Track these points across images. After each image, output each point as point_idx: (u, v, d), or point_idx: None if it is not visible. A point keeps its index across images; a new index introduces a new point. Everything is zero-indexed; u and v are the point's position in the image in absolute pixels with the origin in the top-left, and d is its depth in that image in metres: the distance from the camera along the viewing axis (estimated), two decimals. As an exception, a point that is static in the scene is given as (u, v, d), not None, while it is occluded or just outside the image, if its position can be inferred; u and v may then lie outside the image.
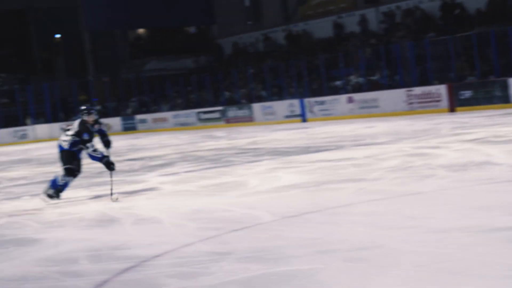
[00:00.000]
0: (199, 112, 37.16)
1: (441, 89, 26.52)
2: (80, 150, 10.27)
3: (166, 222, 7.86)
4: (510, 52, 25.59)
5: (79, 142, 10.14)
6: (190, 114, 37.67)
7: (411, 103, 27.37)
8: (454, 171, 9.74)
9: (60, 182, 10.19)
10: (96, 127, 10.41)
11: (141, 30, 52.97)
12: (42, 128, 40.33)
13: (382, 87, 29.81)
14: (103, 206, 9.53)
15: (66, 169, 10.18)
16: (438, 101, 26.58)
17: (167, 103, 41.36)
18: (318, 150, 15.49)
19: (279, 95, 34.76)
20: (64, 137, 10.37)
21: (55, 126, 40.12)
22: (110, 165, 10.12)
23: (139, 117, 40.62)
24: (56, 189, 10.21)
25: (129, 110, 43.05)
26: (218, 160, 15.55)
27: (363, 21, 36.41)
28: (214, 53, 47.89)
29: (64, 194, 10.39)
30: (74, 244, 7.07)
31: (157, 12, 47.56)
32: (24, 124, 41.08)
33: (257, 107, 34.10)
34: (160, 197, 9.99)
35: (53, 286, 5.45)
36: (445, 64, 28.32)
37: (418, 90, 27.37)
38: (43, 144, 34.93)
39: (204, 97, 39.46)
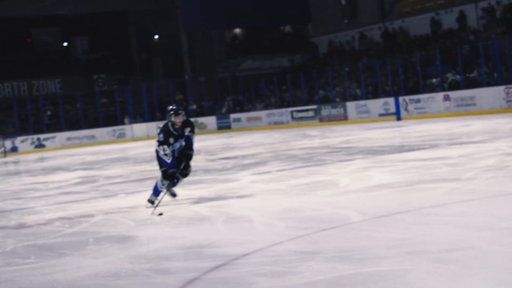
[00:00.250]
0: (293, 111, 37.19)
1: (542, 86, 25.74)
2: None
3: (256, 221, 7.91)
4: None
5: (165, 143, 9.62)
6: (284, 113, 37.75)
7: (510, 101, 26.61)
8: (553, 171, 9.44)
9: (160, 187, 9.75)
10: (187, 131, 9.76)
11: (237, 30, 53.42)
12: (139, 128, 41.22)
13: (480, 85, 29.13)
14: (195, 205, 9.66)
15: (162, 172, 9.74)
16: (538, 98, 25.81)
17: (261, 102, 41.57)
18: (412, 149, 15.26)
19: (374, 94, 34.45)
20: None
21: (152, 126, 40.98)
22: (172, 179, 9.63)
23: (233, 116, 40.97)
24: (157, 194, 9.76)
25: (224, 109, 43.50)
26: (310, 159, 15.53)
27: (461, 17, 35.68)
28: (309, 51, 47.88)
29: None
30: (165, 241, 7.20)
31: (253, 12, 47.87)
32: (122, 124, 42.07)
33: (351, 105, 33.87)
34: (251, 196, 10.05)
35: (144, 283, 5.56)
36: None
37: (517, 87, 26.62)
38: (140, 143, 35.73)
39: (298, 96, 39.49)
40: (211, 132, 40.36)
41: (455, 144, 15.46)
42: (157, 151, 9.78)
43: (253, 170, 14.08)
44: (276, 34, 53.81)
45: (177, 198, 9.86)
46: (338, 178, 11.26)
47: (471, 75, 30.35)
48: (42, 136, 38.57)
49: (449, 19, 36.72)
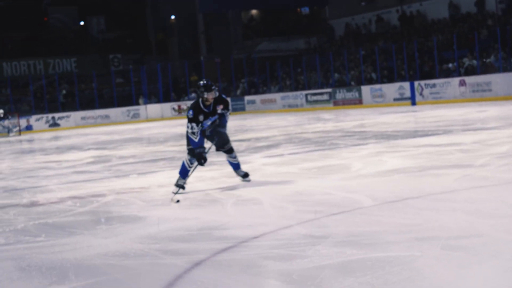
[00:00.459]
0: (307, 94, 37.11)
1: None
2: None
3: (266, 203, 7.90)
4: None
5: (195, 121, 9.02)
6: (298, 96, 37.70)
7: (526, 87, 26.47)
8: None
9: (188, 167, 9.25)
10: (219, 108, 9.20)
11: (254, 11, 53.31)
12: (153, 108, 41.29)
13: (496, 70, 28.94)
14: (207, 186, 9.67)
15: (189, 151, 9.24)
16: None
17: (276, 85, 41.51)
18: (425, 134, 15.20)
19: (389, 78, 34.31)
20: None
21: (167, 106, 41.03)
22: (199, 159, 9.06)
23: (248, 98, 40.95)
24: (185, 176, 9.24)
25: (238, 91, 43.47)
26: (323, 142, 15.50)
27: (480, 1, 35.39)
28: (326, 34, 47.70)
29: (170, 174, 10.55)
30: (175, 223, 7.21)
31: (270, -7, 47.80)
32: (137, 104, 42.15)
33: (366, 89, 33.77)
34: (263, 179, 10.03)
35: (152, 263, 5.57)
36: None
37: (534, 73, 26.44)
38: (154, 124, 35.80)
39: (313, 78, 39.39)
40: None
41: (469, 130, 15.38)
42: (186, 131, 9.21)
43: (265, 153, 14.07)
44: (293, 15, 53.67)
45: (188, 180, 9.86)
46: (350, 162, 11.23)
47: (488, 60, 30.15)
48: (56, 115, 38.72)
49: (467, 3, 36.47)
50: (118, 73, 46.70)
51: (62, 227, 7.43)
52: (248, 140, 18.31)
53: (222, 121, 9.33)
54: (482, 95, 28.07)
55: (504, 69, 28.82)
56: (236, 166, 9.81)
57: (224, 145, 9.54)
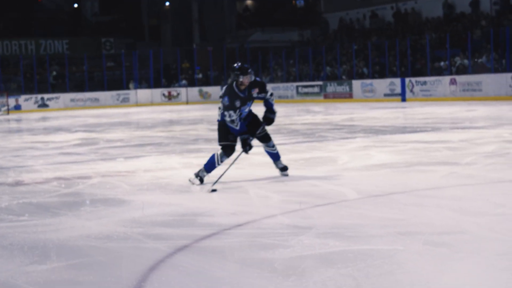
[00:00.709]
0: (298, 86, 37.11)
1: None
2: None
3: (251, 192, 7.91)
4: None
5: (232, 108, 8.35)
6: (289, 87, 37.69)
7: (516, 89, 26.55)
8: (553, 161, 9.41)
9: (218, 163, 8.57)
10: (255, 92, 8.52)
11: (249, 1, 53.24)
12: (143, 93, 41.19)
13: (488, 70, 29.02)
14: (193, 173, 9.64)
15: (223, 147, 8.59)
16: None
17: (268, 75, 41.47)
18: (414, 130, 15.24)
19: (381, 74, 34.34)
20: (220, 105, 8.64)
21: (157, 92, 40.95)
22: (245, 145, 8.55)
23: (239, 87, 40.89)
24: (209, 171, 8.58)
25: (229, 80, 43.43)
26: (312, 134, 15.52)
27: (475, 2, 35.43)
28: (320, 27, 47.65)
29: (157, 159, 10.54)
30: (160, 208, 7.20)
31: (265, -16, 47.68)
32: (127, 88, 42.03)
33: (357, 84, 33.80)
34: (249, 168, 10.04)
35: (134, 247, 5.56)
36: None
37: (525, 75, 26.52)
38: (143, 109, 35.73)
39: (305, 71, 39.37)
40: (215, 101, 40.28)
41: (457, 128, 15.44)
42: (221, 120, 8.54)
43: (253, 142, 14.02)
44: (288, 7, 53.61)
45: (175, 165, 9.82)
46: (337, 155, 11.25)
47: (480, 60, 30.22)
48: (46, 96, 38.55)
49: (462, 3, 36.49)
50: (110, 56, 46.53)
51: (46, 208, 7.41)
52: (237, 129, 18.27)
53: (268, 105, 8.70)
54: (472, 95, 28.14)
55: (496, 70, 28.90)
56: (275, 157, 8.98)
57: (257, 130, 8.69)
